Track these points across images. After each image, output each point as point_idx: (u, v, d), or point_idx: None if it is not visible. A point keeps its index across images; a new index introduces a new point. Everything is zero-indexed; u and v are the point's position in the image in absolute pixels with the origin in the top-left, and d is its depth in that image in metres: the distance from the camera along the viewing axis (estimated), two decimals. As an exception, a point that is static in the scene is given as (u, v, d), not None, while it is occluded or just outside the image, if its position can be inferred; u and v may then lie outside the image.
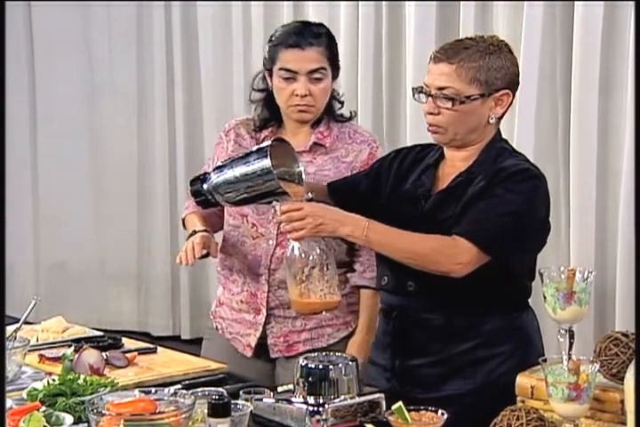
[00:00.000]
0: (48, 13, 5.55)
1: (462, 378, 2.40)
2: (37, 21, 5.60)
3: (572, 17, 3.63)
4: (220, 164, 2.56)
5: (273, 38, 2.79)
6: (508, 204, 2.32)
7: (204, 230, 2.79)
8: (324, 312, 2.50)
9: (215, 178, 2.51)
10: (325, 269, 2.39)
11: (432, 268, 2.31)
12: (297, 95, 2.73)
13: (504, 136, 2.51)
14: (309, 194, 2.42)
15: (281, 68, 2.74)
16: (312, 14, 4.60)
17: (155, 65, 5.45)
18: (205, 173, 2.55)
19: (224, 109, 5.05)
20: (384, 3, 4.31)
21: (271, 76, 2.79)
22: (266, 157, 2.39)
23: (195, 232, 2.79)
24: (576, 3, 3.61)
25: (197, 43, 5.28)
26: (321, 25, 2.84)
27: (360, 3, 4.38)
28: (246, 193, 2.47)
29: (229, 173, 2.48)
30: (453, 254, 2.29)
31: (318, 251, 2.38)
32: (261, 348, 2.83)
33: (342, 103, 2.88)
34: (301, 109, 2.76)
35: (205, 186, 2.53)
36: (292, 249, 2.39)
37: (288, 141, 2.53)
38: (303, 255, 2.38)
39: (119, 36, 5.54)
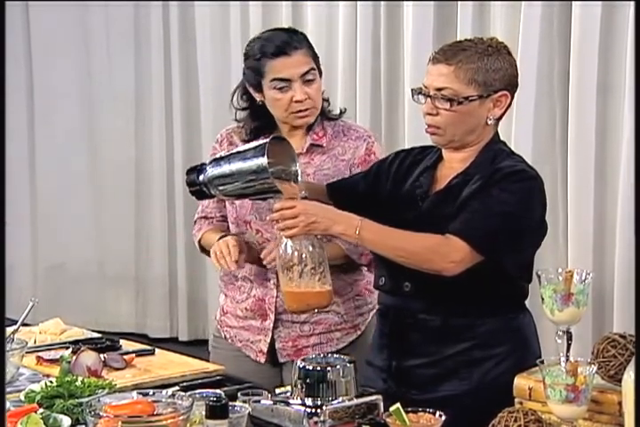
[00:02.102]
0: (46, 14, 5.55)
1: (458, 379, 2.40)
2: (35, 22, 5.60)
3: (570, 18, 3.63)
4: (217, 156, 2.55)
5: (251, 53, 2.76)
6: (503, 204, 2.32)
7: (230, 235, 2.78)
8: (316, 310, 2.50)
9: (211, 170, 2.50)
10: (318, 266, 2.39)
11: (425, 266, 2.32)
12: (297, 101, 2.70)
13: (502, 137, 2.51)
14: (303, 192, 2.43)
15: (273, 79, 2.71)
16: (310, 15, 4.61)
17: (152, 66, 5.45)
18: (202, 164, 2.55)
19: (222, 111, 5.00)
20: (382, 3, 4.32)
21: (259, 91, 2.75)
22: (263, 155, 2.39)
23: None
24: (574, 3, 3.61)
25: (195, 44, 5.28)
26: (292, 28, 2.83)
27: (358, 3, 4.38)
28: (240, 188, 2.47)
29: (225, 167, 2.48)
30: (446, 253, 2.30)
31: (311, 248, 2.39)
32: (271, 353, 2.83)
33: (327, 100, 2.85)
34: (303, 115, 2.74)
35: (201, 177, 2.52)
36: (285, 246, 2.39)
37: (287, 140, 2.53)
38: (296, 253, 2.38)
39: (117, 37, 5.54)
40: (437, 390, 2.40)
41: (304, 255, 2.38)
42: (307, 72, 2.71)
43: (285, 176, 2.47)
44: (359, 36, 4.38)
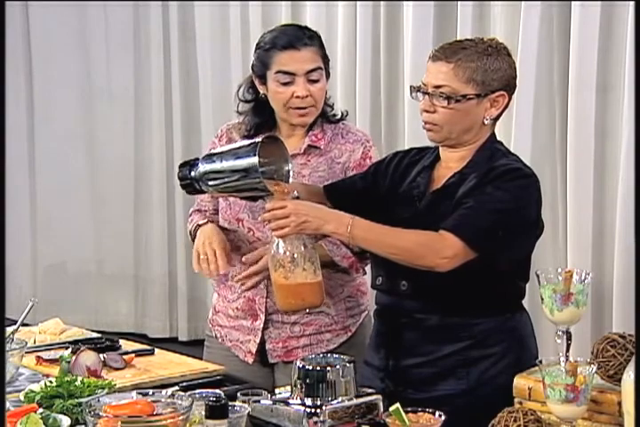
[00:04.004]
0: (46, 14, 5.55)
1: (455, 379, 2.40)
2: (35, 22, 5.59)
3: (570, 18, 3.63)
4: (210, 152, 2.55)
5: (262, 44, 2.75)
6: (497, 201, 2.32)
7: (209, 221, 2.80)
8: (307, 310, 2.50)
9: (203, 166, 2.50)
10: (310, 265, 2.40)
11: (418, 262, 2.32)
12: (297, 97, 2.69)
13: (502, 137, 2.52)
14: (295, 192, 2.43)
15: (278, 72, 2.69)
16: (309, 15, 4.61)
17: (152, 67, 5.44)
18: (196, 159, 2.54)
19: (222, 112, 5.04)
20: (382, 3, 4.31)
21: (263, 83, 2.75)
22: (254, 154, 2.38)
23: (198, 226, 2.79)
24: (573, 3, 3.61)
25: (195, 44, 5.28)
26: (307, 27, 2.82)
27: (358, 3, 4.37)
28: (230, 186, 2.47)
29: (217, 164, 2.47)
30: (439, 249, 2.30)
31: (302, 249, 2.39)
32: (261, 353, 2.83)
33: (332, 107, 2.85)
34: (302, 113, 2.72)
35: (193, 173, 2.52)
36: (277, 246, 2.40)
37: (282, 140, 2.52)
38: (287, 253, 2.39)
39: (116, 37, 5.54)
40: (434, 390, 2.40)
41: (295, 255, 2.39)
42: (313, 70, 2.70)
43: (278, 177, 2.46)
44: (359, 36, 4.38)
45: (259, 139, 2.44)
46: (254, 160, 2.38)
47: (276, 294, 2.49)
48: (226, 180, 2.46)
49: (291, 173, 2.47)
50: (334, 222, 2.34)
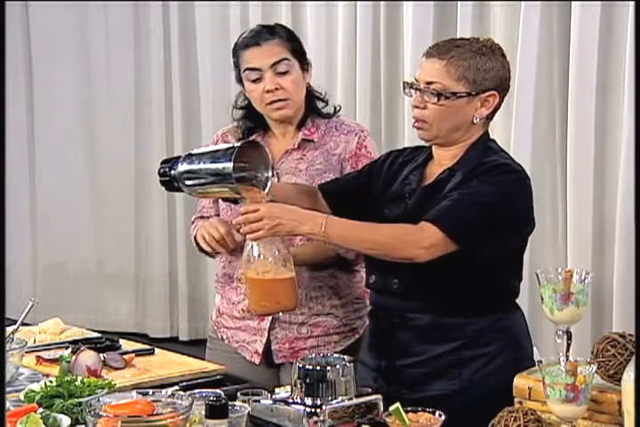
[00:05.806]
0: (45, 14, 5.55)
1: (447, 379, 2.39)
2: (35, 22, 5.60)
3: (570, 18, 3.64)
4: (192, 152, 2.55)
5: (234, 48, 2.80)
6: (480, 194, 2.32)
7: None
8: (280, 314, 2.51)
9: (182, 166, 2.50)
10: (283, 269, 2.41)
11: (395, 255, 2.31)
12: (268, 91, 2.71)
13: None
14: (269, 197, 2.43)
15: (245, 70, 2.73)
16: (310, 15, 4.61)
17: (152, 67, 5.45)
18: (178, 157, 2.54)
19: (222, 112, 5.02)
20: (382, 3, 4.32)
21: (243, 85, 2.78)
22: (229, 160, 2.39)
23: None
24: (573, 3, 3.62)
25: (195, 44, 5.28)
26: (274, 24, 2.84)
27: (358, 3, 4.38)
28: (206, 187, 2.47)
29: (195, 165, 2.48)
30: (416, 240, 2.29)
31: (276, 251, 2.40)
32: (267, 354, 2.82)
33: (326, 102, 2.85)
34: (278, 107, 2.74)
35: (173, 171, 2.52)
36: (251, 249, 2.40)
37: (264, 146, 2.52)
38: (262, 256, 2.39)
39: (117, 37, 5.54)
40: (427, 390, 2.39)
41: (270, 258, 2.40)
42: (277, 62, 2.72)
43: (257, 182, 2.46)
44: (359, 36, 4.38)
45: (237, 144, 2.45)
46: (229, 165, 2.38)
47: (249, 297, 2.49)
48: (202, 181, 2.46)
49: (269, 181, 2.46)
50: (308, 223, 2.34)
